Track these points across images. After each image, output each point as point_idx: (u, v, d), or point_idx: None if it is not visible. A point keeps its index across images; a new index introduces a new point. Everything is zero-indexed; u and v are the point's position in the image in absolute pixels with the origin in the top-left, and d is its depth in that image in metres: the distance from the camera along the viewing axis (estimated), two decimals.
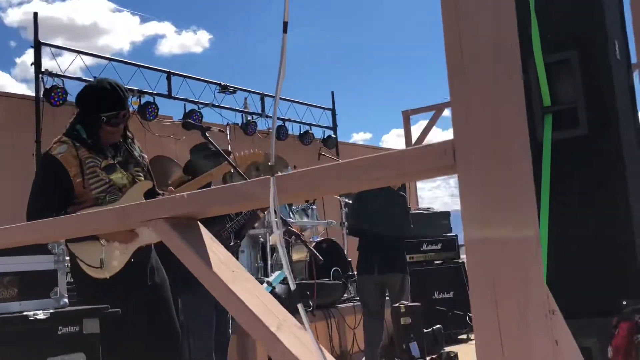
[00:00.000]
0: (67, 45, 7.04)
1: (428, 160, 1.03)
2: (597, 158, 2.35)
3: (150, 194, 3.10)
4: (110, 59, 7.18)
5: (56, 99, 6.52)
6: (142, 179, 3.14)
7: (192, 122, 3.50)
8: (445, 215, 8.05)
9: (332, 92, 9.49)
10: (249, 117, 8.34)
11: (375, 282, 5.61)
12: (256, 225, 5.87)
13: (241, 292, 1.27)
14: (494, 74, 0.97)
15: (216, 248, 1.36)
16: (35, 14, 6.55)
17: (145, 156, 3.28)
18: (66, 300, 2.27)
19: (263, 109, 8.52)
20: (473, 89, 0.98)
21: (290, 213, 6.81)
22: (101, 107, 2.98)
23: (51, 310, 2.16)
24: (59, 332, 2.14)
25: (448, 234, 7.97)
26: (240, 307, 1.25)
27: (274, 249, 6.83)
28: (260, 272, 6.70)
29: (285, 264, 1.05)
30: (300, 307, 1.11)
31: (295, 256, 6.77)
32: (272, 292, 5.51)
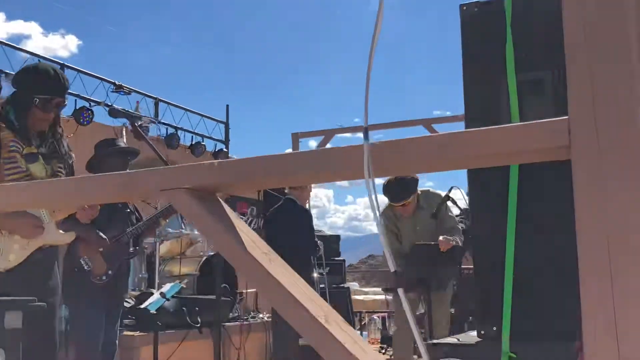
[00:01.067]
0: None
1: (543, 138, 0.93)
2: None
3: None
4: None
5: None
6: (63, 176, 2.98)
7: (119, 109, 3.21)
8: (336, 239, 8.06)
9: (227, 106, 9.28)
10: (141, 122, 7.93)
11: None
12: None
13: (281, 278, 1.11)
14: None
15: (243, 226, 1.19)
16: None
17: (73, 155, 3.13)
18: None
19: (157, 114, 8.16)
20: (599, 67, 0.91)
21: (183, 224, 6.51)
22: (36, 89, 2.83)
23: None
24: None
25: (336, 258, 7.99)
26: (282, 294, 1.09)
27: (162, 260, 6.49)
28: (144, 284, 6.34)
29: (385, 247, 0.91)
30: (400, 292, 0.97)
31: (184, 269, 6.48)
32: (160, 307, 5.20)
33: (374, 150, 0.94)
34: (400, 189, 5.03)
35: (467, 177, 2.28)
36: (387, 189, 5.10)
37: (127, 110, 3.02)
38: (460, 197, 4.81)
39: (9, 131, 2.73)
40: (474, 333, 2.41)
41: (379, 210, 0.92)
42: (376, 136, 1.10)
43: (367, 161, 0.90)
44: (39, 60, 2.95)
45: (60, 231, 2.97)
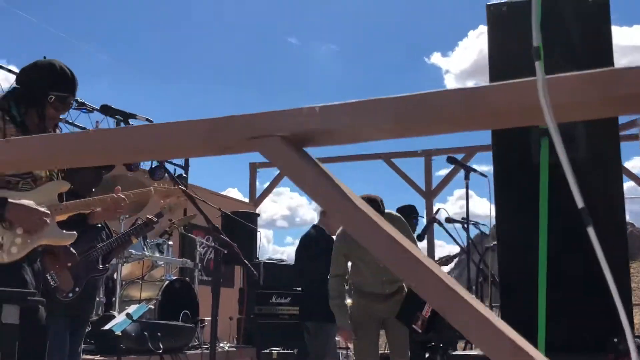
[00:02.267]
0: None
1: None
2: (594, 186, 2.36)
3: (64, 197, 2.87)
4: None
5: None
6: (60, 178, 2.87)
7: (112, 107, 3.03)
8: None
9: None
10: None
11: None
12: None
13: (394, 234, 0.99)
14: None
15: (339, 180, 1.07)
16: None
17: None
18: None
19: None
20: None
21: (144, 247, 6.25)
22: (53, 85, 2.69)
23: None
24: None
25: (298, 288, 7.80)
26: (395, 249, 0.96)
27: (123, 283, 6.19)
28: (101, 309, 6.01)
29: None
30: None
31: (145, 294, 6.18)
32: (124, 331, 4.94)
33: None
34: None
35: (493, 181, 2.22)
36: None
37: (122, 110, 2.86)
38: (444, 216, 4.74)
39: (12, 126, 2.56)
40: None
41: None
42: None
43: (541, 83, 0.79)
44: (43, 57, 2.74)
45: (64, 230, 2.77)
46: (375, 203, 4.69)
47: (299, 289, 6.96)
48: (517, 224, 2.25)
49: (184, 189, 3.01)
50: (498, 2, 2.28)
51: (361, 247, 4.10)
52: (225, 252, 3.00)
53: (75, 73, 2.84)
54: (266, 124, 1.06)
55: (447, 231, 4.89)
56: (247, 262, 3.06)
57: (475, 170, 4.09)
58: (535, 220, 1.99)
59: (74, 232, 2.86)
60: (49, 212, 2.61)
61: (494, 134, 2.29)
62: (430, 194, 11.28)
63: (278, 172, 11.86)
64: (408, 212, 6.16)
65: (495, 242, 4.33)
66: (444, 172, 12.01)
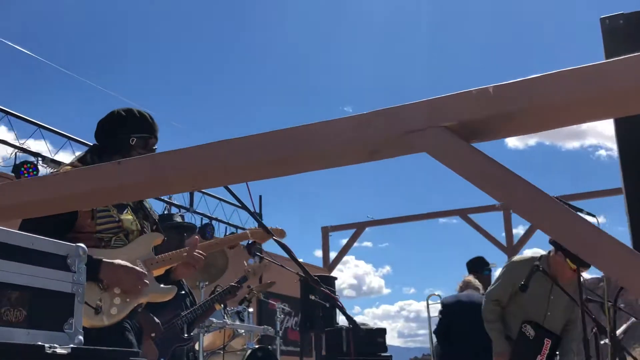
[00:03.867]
0: None
1: None
2: None
3: (158, 251, 2.76)
4: (39, 126, 6.35)
5: None
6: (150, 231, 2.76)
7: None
8: (382, 332, 7.55)
9: (260, 197, 9.04)
10: (177, 210, 7.67)
11: None
12: None
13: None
14: None
15: None
16: None
17: (156, 213, 2.92)
18: (81, 338, 1.59)
19: (191, 204, 7.88)
20: None
21: (225, 315, 6.07)
22: (133, 128, 2.63)
23: (72, 346, 1.48)
24: None
25: (382, 354, 7.45)
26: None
27: (205, 354, 6.01)
28: None
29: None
30: None
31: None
32: None
33: None
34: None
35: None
36: None
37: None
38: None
39: None
40: None
41: None
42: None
43: None
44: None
45: (162, 285, 2.63)
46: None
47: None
48: None
49: (279, 240, 2.84)
50: (613, 14, 2.07)
51: (530, 282, 3.68)
52: (327, 305, 2.78)
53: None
54: (426, 114, 0.87)
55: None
56: (350, 316, 2.84)
57: (581, 210, 3.72)
58: None
59: (173, 286, 2.72)
60: (145, 272, 2.48)
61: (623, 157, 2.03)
62: (511, 249, 10.82)
63: (347, 239, 11.63)
64: (478, 265, 5.83)
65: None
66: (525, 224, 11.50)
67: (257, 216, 2.92)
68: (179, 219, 4.34)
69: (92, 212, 2.45)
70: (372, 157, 0.95)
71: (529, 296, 4.47)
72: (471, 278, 5.96)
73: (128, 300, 2.39)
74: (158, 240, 2.72)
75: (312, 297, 6.54)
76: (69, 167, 2.58)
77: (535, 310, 4.52)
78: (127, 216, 2.59)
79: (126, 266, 2.37)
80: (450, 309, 5.84)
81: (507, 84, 0.85)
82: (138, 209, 2.71)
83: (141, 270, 2.45)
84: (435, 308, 7.51)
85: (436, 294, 7.81)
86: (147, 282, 2.45)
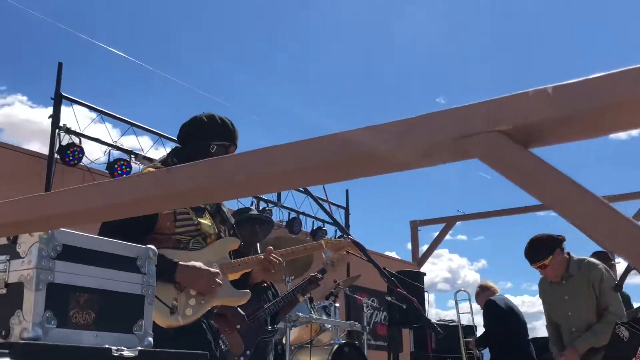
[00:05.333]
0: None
1: None
2: None
3: (234, 255, 2.80)
4: (132, 124, 6.64)
5: (71, 158, 5.93)
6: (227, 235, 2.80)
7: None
8: (471, 329, 7.38)
9: (347, 191, 9.01)
10: (265, 205, 7.77)
11: None
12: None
13: None
14: None
15: None
16: (60, 65, 6.08)
17: (232, 218, 2.95)
18: (151, 340, 1.61)
19: (279, 198, 7.95)
20: None
21: (311, 310, 6.09)
22: (214, 135, 2.67)
23: (139, 349, 1.49)
24: None
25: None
26: None
27: (292, 348, 6.06)
28: None
29: None
30: None
31: (314, 359, 6.00)
32: None
33: None
34: (535, 247, 4.47)
35: None
36: (525, 250, 4.59)
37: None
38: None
39: None
40: None
41: None
42: None
43: None
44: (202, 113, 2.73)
45: (236, 290, 2.68)
46: (540, 240, 4.41)
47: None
48: None
49: (355, 240, 2.80)
50: None
51: (546, 293, 3.74)
52: (404, 307, 2.72)
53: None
54: (479, 117, 0.80)
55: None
56: (428, 318, 2.76)
57: None
58: None
59: (248, 290, 2.75)
60: (219, 272, 2.51)
61: None
62: None
63: (438, 232, 11.43)
64: (604, 258, 5.56)
65: None
66: None
67: (343, 228, 2.92)
68: (255, 212, 4.38)
69: (174, 214, 2.49)
70: (424, 162, 0.89)
71: (549, 306, 4.70)
72: None
73: (203, 302, 2.43)
74: (234, 245, 2.76)
75: (389, 299, 6.47)
76: (152, 168, 2.64)
77: (558, 316, 4.60)
78: (205, 220, 2.63)
79: (200, 268, 2.40)
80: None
81: (567, 83, 0.77)
82: (216, 213, 2.74)
83: (215, 270, 2.47)
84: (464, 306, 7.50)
85: (463, 290, 7.73)
86: (220, 282, 2.48)
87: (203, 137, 2.66)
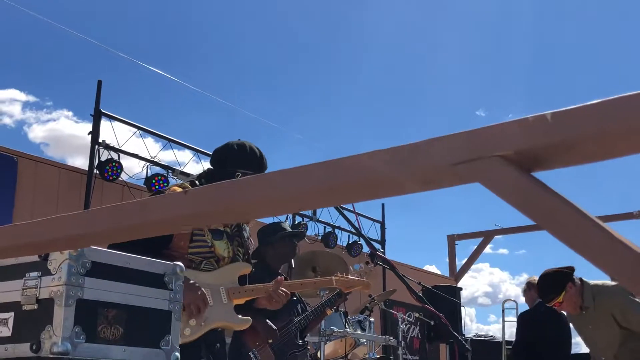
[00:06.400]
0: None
1: None
2: None
3: (244, 280, 2.85)
4: (170, 140, 6.78)
5: (110, 173, 6.08)
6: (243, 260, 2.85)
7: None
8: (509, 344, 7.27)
9: (383, 205, 8.99)
10: (300, 219, 7.82)
11: None
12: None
13: None
14: None
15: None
16: (99, 82, 6.25)
17: (252, 242, 3.01)
18: (178, 355, 1.65)
19: (315, 212, 7.98)
20: None
21: (346, 324, 6.09)
22: (241, 164, 2.75)
23: None
24: None
25: None
26: None
27: None
28: None
29: None
30: None
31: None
32: None
33: None
34: (546, 286, 4.30)
35: None
36: (537, 289, 4.48)
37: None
38: None
39: None
40: None
41: None
42: None
43: None
44: (238, 140, 2.83)
45: (239, 316, 2.72)
46: (548, 277, 4.24)
47: None
48: None
49: (382, 255, 2.82)
50: None
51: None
52: (432, 323, 2.71)
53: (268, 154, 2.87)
54: (478, 142, 0.82)
55: None
56: (456, 334, 2.75)
57: None
58: None
59: (249, 317, 2.80)
60: (205, 296, 2.52)
61: None
62: None
63: (476, 246, 11.30)
64: None
65: None
66: None
67: (370, 243, 2.93)
68: (288, 228, 4.41)
69: (190, 235, 2.56)
70: (426, 187, 0.91)
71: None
72: None
73: (203, 323, 2.47)
74: (246, 270, 2.81)
75: (417, 315, 6.43)
76: (177, 187, 2.71)
77: (588, 345, 4.52)
78: (221, 243, 2.68)
79: (191, 284, 2.40)
80: None
81: (566, 110, 0.78)
82: (234, 236, 2.79)
83: (203, 291, 2.48)
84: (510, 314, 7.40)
85: (512, 299, 7.63)
86: (204, 306, 2.46)
87: (231, 164, 2.75)
